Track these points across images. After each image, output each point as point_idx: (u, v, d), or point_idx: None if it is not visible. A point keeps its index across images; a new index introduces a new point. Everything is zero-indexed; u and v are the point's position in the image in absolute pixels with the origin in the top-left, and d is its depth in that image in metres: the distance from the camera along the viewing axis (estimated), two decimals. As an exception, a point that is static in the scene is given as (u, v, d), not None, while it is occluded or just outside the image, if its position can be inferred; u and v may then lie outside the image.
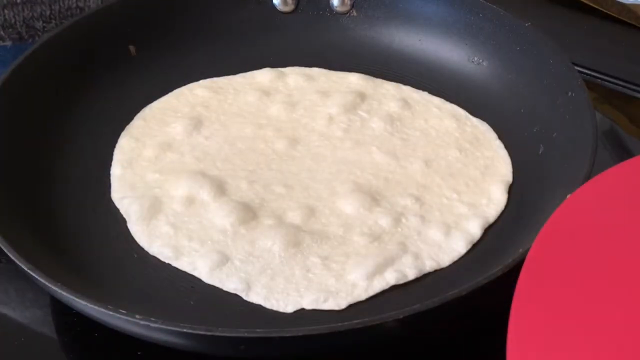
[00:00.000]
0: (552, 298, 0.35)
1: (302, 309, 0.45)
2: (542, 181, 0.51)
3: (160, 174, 0.53)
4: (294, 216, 0.50)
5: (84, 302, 0.41)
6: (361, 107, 0.58)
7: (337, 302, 0.46)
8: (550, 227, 0.39)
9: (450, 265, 0.48)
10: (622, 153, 0.62)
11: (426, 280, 0.47)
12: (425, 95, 0.59)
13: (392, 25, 0.63)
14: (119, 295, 0.45)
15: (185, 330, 0.39)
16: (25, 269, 0.42)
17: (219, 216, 0.50)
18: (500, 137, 0.56)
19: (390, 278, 0.47)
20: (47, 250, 0.47)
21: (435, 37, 0.62)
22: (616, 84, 0.67)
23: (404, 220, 0.50)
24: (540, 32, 0.57)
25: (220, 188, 0.51)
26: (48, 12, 0.66)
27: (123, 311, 0.40)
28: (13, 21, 0.64)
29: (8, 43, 0.65)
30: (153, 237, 0.49)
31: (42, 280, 0.42)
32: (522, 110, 0.56)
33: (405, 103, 0.58)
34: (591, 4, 0.73)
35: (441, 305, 0.40)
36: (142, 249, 0.49)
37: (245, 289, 0.46)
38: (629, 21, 0.72)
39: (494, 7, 0.60)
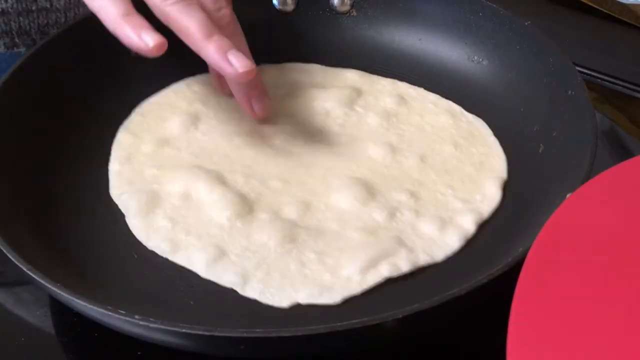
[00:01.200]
0: (552, 298, 0.35)
1: (298, 304, 0.45)
2: (542, 181, 0.51)
3: (158, 170, 0.53)
4: (290, 211, 0.50)
5: (83, 303, 0.40)
6: (357, 103, 0.58)
7: (332, 297, 0.46)
8: (550, 227, 0.39)
9: (449, 265, 0.48)
10: (622, 153, 0.62)
11: (421, 276, 0.47)
12: (421, 91, 0.60)
13: (391, 24, 0.63)
14: (118, 295, 0.45)
15: (184, 330, 0.39)
16: (25, 269, 0.42)
17: (216, 209, 0.50)
18: (500, 136, 0.56)
19: (384, 271, 0.47)
20: (47, 250, 0.47)
21: (435, 36, 0.62)
22: (616, 84, 0.67)
23: (398, 214, 0.50)
24: (540, 32, 0.57)
25: (217, 182, 0.51)
26: (63, 19, 0.65)
27: (122, 311, 0.40)
28: (28, 28, 0.64)
29: (22, 49, 0.65)
30: (151, 231, 0.49)
31: (42, 281, 0.42)
32: (521, 109, 0.56)
33: (401, 99, 0.59)
34: (591, 4, 0.73)
35: (441, 305, 0.40)
36: (141, 249, 0.49)
37: (241, 283, 0.46)
38: (629, 21, 0.72)
39: (494, 6, 0.60)
